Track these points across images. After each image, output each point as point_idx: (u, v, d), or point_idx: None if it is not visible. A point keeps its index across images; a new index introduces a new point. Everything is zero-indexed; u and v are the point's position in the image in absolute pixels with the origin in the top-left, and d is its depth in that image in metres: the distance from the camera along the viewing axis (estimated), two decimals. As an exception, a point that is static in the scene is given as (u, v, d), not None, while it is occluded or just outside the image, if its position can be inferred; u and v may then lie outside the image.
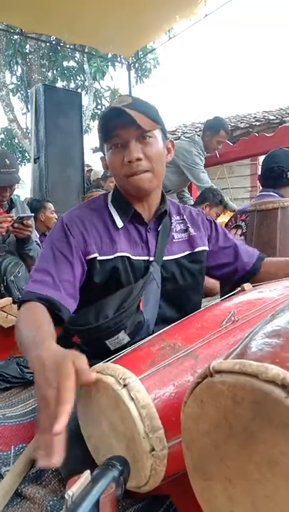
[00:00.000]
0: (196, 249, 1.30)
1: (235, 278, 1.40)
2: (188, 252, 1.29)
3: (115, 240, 1.18)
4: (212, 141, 3.97)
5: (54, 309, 1.04)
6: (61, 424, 0.61)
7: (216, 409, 0.51)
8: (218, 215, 3.60)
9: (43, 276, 1.10)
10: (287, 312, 0.62)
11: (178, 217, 1.33)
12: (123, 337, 1.11)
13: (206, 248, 1.34)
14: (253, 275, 1.38)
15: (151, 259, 1.21)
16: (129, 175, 1.15)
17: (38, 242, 2.83)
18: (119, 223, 1.20)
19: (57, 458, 0.62)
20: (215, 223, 1.41)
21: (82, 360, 0.73)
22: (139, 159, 1.13)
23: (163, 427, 0.68)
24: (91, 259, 1.15)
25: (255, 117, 8.89)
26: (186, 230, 1.31)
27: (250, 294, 1.07)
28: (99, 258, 1.15)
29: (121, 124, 1.11)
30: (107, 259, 1.16)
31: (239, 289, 1.12)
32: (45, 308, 1.03)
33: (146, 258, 1.21)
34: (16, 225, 2.33)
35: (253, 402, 0.46)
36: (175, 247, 1.27)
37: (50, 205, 3.78)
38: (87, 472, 0.55)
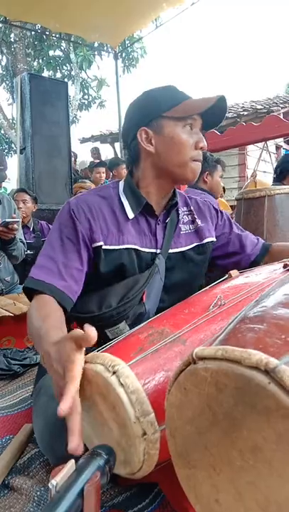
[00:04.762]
0: (204, 241, 1.29)
1: (240, 267, 1.35)
2: (196, 244, 1.28)
3: (123, 230, 1.15)
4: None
5: (56, 299, 1.02)
6: (65, 403, 0.63)
7: (199, 396, 0.50)
8: (222, 177, 3.26)
9: (48, 262, 1.07)
10: (271, 297, 0.62)
11: (185, 209, 1.31)
12: (124, 327, 1.10)
13: (214, 239, 1.33)
14: (257, 264, 1.37)
15: (158, 251, 1.19)
16: (195, 159, 1.15)
17: (23, 240, 2.79)
18: (130, 214, 1.17)
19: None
20: (221, 212, 1.40)
21: (79, 332, 0.73)
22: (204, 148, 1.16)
23: (154, 411, 0.68)
24: (96, 247, 1.12)
25: (243, 107, 8.90)
26: (193, 222, 1.30)
27: (237, 279, 1.08)
28: (104, 247, 1.12)
29: (207, 111, 1.12)
30: (112, 249, 1.13)
31: (226, 276, 1.12)
32: (53, 299, 1.01)
33: (153, 250, 1.19)
34: (0, 228, 2.31)
35: (235, 389, 0.45)
36: (182, 239, 1.26)
37: (20, 196, 3.53)
38: (72, 461, 0.55)
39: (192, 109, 1.13)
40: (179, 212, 1.27)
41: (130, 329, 1.08)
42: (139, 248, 1.16)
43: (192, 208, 1.32)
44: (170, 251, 1.21)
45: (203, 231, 1.29)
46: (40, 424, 1.04)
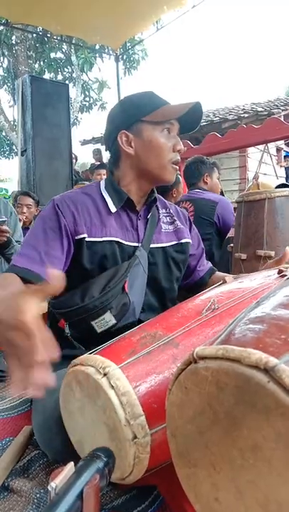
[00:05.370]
0: (182, 241, 1.35)
1: (187, 282, 1.46)
2: (175, 242, 1.33)
3: (106, 223, 1.20)
4: None
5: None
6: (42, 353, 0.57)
7: (200, 395, 0.51)
8: (218, 179, 3.19)
9: (30, 251, 1.12)
10: (272, 299, 0.63)
11: (164, 211, 1.37)
12: (109, 318, 1.13)
13: (190, 241, 1.40)
14: (200, 285, 1.44)
15: (140, 245, 1.24)
16: (174, 162, 1.22)
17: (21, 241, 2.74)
18: (113, 208, 1.22)
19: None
20: (194, 227, 1.48)
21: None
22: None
23: (144, 414, 0.68)
24: (80, 240, 1.16)
25: (244, 109, 8.91)
26: (172, 223, 1.37)
27: (231, 284, 1.09)
28: (87, 239, 1.16)
29: (183, 116, 1.18)
30: (95, 241, 1.17)
31: (221, 282, 1.13)
32: (19, 278, 1.04)
33: (135, 244, 1.23)
34: None
35: (236, 387, 0.46)
36: (163, 236, 1.31)
37: (24, 200, 3.54)
38: (71, 464, 0.55)
39: (170, 114, 1.20)
40: (160, 212, 1.34)
41: (116, 321, 1.13)
42: (122, 241, 1.21)
43: (172, 211, 1.39)
44: (152, 246, 1.27)
45: (182, 232, 1.37)
46: (39, 419, 1.06)
